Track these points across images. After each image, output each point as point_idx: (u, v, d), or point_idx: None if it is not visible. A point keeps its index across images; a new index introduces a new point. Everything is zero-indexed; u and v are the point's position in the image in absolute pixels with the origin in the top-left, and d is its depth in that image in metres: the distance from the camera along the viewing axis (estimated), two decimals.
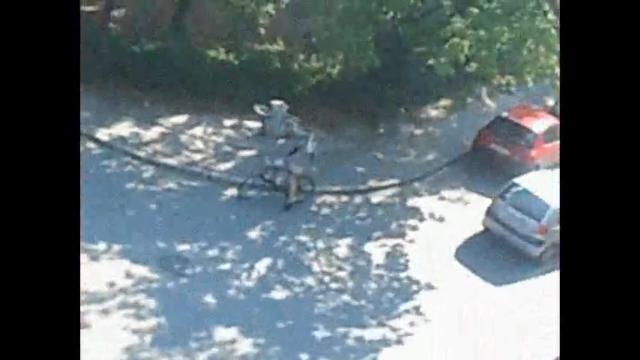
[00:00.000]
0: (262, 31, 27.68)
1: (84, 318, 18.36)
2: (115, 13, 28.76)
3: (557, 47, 23.02)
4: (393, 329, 20.94)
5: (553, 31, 23.53)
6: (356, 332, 20.56)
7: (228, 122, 26.79)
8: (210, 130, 26.27)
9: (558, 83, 23.59)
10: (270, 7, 27.26)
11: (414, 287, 22.47)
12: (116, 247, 20.83)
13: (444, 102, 30.32)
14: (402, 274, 22.83)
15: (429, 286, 22.53)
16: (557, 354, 11.19)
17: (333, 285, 21.84)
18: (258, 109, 26.24)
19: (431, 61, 25.52)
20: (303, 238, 23.12)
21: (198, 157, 24.94)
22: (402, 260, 23.33)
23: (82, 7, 27.41)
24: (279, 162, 23.84)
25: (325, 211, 24.47)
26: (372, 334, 20.65)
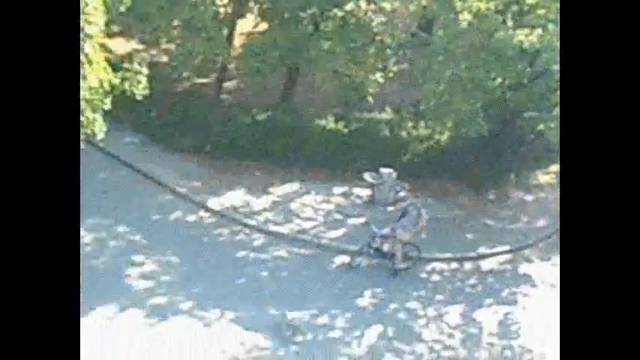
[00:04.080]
0: (371, 99, 27.90)
1: None
2: (227, 84, 29.43)
3: None
4: None
5: None
6: None
7: (338, 190, 26.99)
8: (320, 198, 26.49)
9: None
10: (378, 76, 27.49)
11: (527, 356, 22.08)
12: (229, 314, 21.06)
13: (554, 167, 30.01)
14: (515, 342, 22.46)
15: (542, 355, 22.10)
16: None
17: (445, 353, 21.62)
18: (367, 176, 26.43)
19: (541, 127, 25.40)
20: (413, 305, 23.01)
21: (308, 224, 25.14)
22: (514, 328, 22.98)
23: (195, 80, 28.35)
24: (385, 230, 23.85)
25: (435, 278, 24.33)
26: None
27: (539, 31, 24.41)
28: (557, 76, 25.96)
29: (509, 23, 25.44)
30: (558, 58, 24.42)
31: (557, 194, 29.05)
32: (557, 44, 23.63)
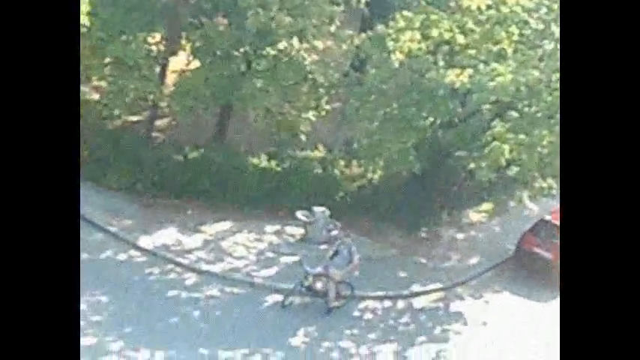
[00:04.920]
0: (303, 138, 27.94)
1: None
2: (159, 122, 29.27)
3: None
4: None
5: None
6: None
7: (270, 228, 26.91)
8: (252, 236, 26.38)
9: None
10: (311, 115, 27.57)
11: None
12: (159, 354, 20.78)
13: (485, 206, 30.31)
14: None
15: None
16: None
17: None
18: (300, 215, 26.40)
19: (472, 166, 25.66)
20: (346, 344, 22.94)
21: (240, 263, 24.99)
22: None
23: (127, 117, 28.15)
24: (318, 268, 23.78)
25: (368, 316, 24.31)
26: None
27: (470, 71, 24.73)
28: (489, 115, 26.31)
29: (441, 63, 25.74)
30: (490, 98, 24.77)
31: (488, 232, 29.37)
32: (489, 84, 23.95)
